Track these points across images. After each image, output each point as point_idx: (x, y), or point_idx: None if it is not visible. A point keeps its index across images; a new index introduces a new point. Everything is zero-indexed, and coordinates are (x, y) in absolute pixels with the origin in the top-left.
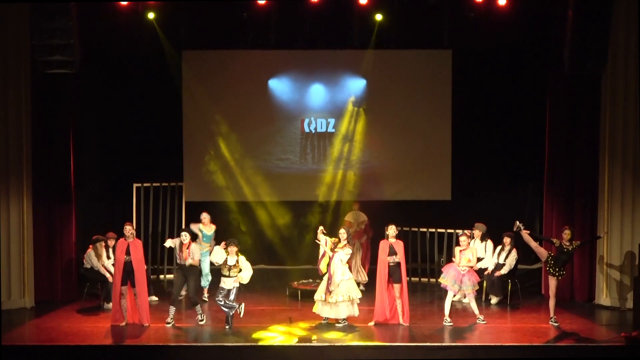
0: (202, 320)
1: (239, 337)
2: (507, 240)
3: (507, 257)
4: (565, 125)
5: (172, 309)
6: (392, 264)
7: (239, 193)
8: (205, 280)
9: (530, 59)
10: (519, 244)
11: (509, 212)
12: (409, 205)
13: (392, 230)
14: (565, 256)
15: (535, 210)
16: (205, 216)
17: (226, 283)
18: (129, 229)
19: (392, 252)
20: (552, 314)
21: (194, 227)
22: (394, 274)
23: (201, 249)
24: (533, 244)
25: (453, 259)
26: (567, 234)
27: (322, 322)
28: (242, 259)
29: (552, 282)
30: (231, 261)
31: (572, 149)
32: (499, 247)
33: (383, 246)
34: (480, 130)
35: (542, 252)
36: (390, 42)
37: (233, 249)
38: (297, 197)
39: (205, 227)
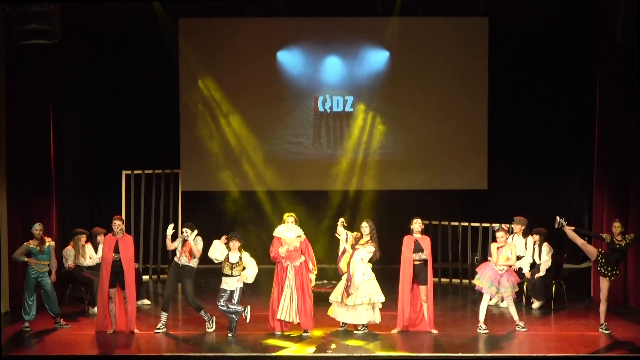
0: (211, 327)
1: (243, 346)
2: (535, 237)
3: (540, 255)
4: (618, 106)
5: (164, 315)
6: (417, 262)
7: (243, 182)
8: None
9: (579, 28)
10: (562, 241)
11: (552, 204)
12: (438, 195)
13: (417, 224)
14: (618, 253)
15: (584, 203)
16: (37, 227)
17: (228, 283)
18: (118, 224)
19: (417, 248)
20: (602, 320)
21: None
22: (420, 274)
23: (38, 269)
24: (579, 242)
25: (489, 257)
26: (617, 227)
27: (340, 328)
28: (246, 255)
29: (604, 284)
30: (233, 258)
31: (625, 134)
32: (533, 245)
33: (407, 242)
34: (521, 110)
35: (591, 250)
36: (417, 9)
37: (235, 244)
38: (309, 187)
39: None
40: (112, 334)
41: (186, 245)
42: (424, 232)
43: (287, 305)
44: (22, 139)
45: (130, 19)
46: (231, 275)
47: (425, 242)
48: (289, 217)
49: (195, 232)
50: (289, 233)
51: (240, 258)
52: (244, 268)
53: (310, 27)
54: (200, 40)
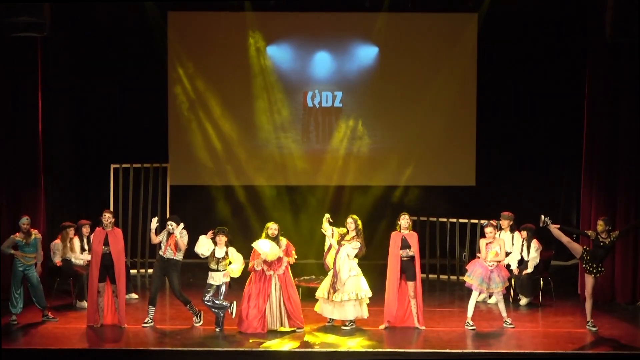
0: (198, 322)
1: (230, 341)
2: (524, 234)
3: (528, 252)
4: (607, 102)
5: (151, 309)
6: (405, 258)
7: (231, 176)
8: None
9: (568, 24)
10: (550, 237)
11: (541, 201)
12: (426, 191)
13: (405, 220)
14: (602, 251)
15: (572, 200)
16: (25, 221)
17: (214, 278)
18: (107, 217)
19: (405, 245)
20: (589, 318)
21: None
22: (407, 270)
23: (25, 262)
24: (565, 239)
25: (478, 254)
26: (600, 224)
27: (327, 324)
28: (233, 250)
29: (589, 281)
30: (220, 253)
31: (613, 131)
32: (521, 241)
33: (395, 238)
34: (510, 106)
35: (576, 248)
36: (406, 4)
37: (222, 238)
38: (298, 182)
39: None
40: (100, 327)
41: (171, 238)
42: (411, 228)
43: (277, 316)
44: (10, 132)
45: (120, 11)
46: (217, 270)
47: (413, 238)
48: (273, 226)
49: (181, 225)
50: (268, 248)
51: (227, 253)
52: (230, 263)
53: (300, 23)
54: (190, 33)
